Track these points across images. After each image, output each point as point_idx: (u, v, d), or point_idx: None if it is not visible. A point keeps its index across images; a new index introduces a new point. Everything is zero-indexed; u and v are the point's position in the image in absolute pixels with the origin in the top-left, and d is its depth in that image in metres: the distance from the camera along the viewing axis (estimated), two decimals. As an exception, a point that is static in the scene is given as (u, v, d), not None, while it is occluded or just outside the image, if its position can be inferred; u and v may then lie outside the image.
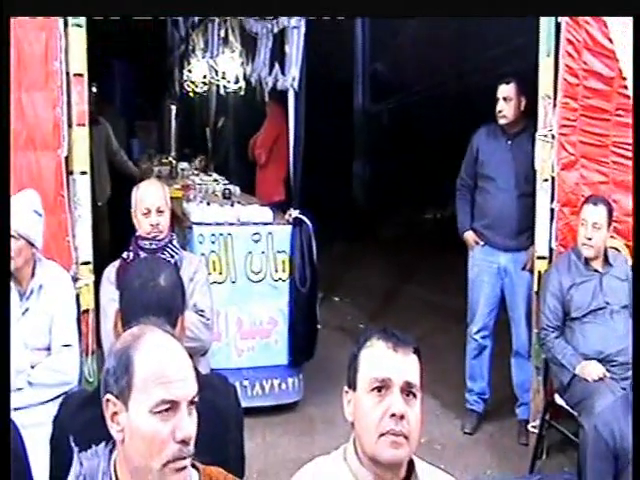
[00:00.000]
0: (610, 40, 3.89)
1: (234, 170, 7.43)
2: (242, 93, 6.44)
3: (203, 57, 7.17)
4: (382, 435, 1.63)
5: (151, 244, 3.17)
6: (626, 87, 3.96)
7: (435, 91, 9.37)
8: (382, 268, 7.92)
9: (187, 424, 1.47)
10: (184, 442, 1.46)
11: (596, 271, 3.69)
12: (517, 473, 3.88)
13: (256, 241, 4.40)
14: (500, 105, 4.15)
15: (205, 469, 1.57)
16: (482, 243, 4.29)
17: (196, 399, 1.50)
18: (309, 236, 4.46)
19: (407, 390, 1.66)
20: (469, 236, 4.33)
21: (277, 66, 4.67)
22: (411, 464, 1.72)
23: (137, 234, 3.23)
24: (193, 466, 1.55)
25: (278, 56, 4.70)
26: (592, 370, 3.45)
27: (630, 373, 2.75)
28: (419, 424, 1.68)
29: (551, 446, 4.02)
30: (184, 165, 7.38)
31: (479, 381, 4.39)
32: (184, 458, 1.46)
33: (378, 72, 10.15)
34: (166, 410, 1.45)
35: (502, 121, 4.18)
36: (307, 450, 3.73)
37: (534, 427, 3.97)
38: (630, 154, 4.01)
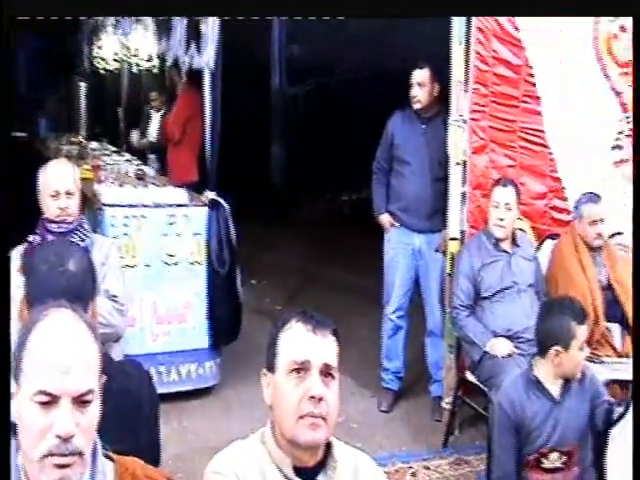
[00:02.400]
0: (517, 28, 4.01)
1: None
2: (156, 71, 6.30)
3: (114, 33, 6.97)
4: (301, 417, 1.63)
5: (59, 227, 3.03)
6: (532, 75, 4.10)
7: (351, 74, 9.41)
8: (299, 250, 7.94)
9: (66, 420, 1.34)
10: (64, 438, 1.34)
11: (505, 252, 3.81)
12: (431, 448, 3.98)
13: (171, 223, 4.32)
14: (415, 90, 4.21)
15: (120, 460, 1.52)
16: (398, 225, 4.35)
17: (88, 397, 1.37)
18: (226, 218, 4.42)
19: (326, 372, 1.67)
20: (385, 219, 4.38)
21: (193, 45, 4.59)
22: (328, 444, 1.73)
23: (44, 217, 3.10)
24: (108, 457, 1.50)
25: (194, 35, 4.62)
26: (501, 347, 3.57)
27: (535, 349, 2.86)
28: (337, 405, 1.69)
29: (463, 421, 4.15)
30: (95, 145, 7.17)
31: (395, 360, 4.47)
32: (65, 455, 1.34)
33: (295, 54, 10.11)
34: (46, 402, 1.34)
35: (416, 106, 4.24)
36: (224, 434, 3.71)
37: (447, 404, 4.08)
38: (536, 139, 4.16)
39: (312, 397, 1.63)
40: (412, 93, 4.21)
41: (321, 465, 1.71)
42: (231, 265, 4.42)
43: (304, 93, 10.56)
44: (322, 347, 1.68)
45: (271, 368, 1.72)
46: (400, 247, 4.35)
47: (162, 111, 6.66)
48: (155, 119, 6.83)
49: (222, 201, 4.42)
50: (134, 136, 7.02)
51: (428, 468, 3.75)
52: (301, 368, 1.66)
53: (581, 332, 2.62)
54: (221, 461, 1.71)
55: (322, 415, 1.64)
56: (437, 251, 4.26)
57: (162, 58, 6.03)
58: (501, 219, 3.75)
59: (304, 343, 1.68)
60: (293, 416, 1.64)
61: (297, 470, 1.68)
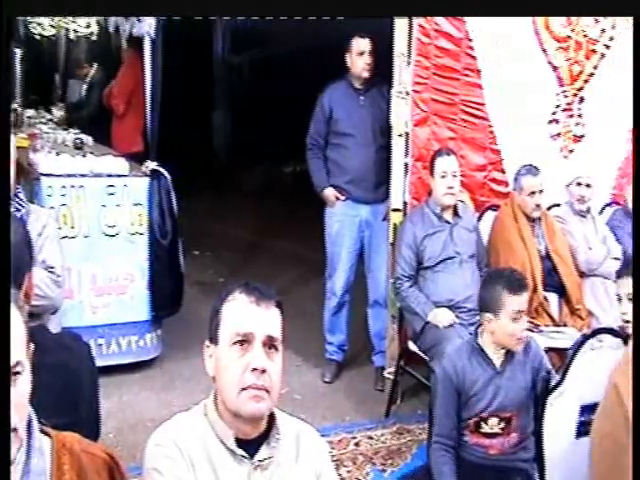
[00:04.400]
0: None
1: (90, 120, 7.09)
2: (94, 38, 6.13)
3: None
4: (244, 389, 1.63)
5: (-7, 197, 2.96)
6: (472, 48, 4.13)
7: (294, 45, 9.32)
8: (243, 221, 7.90)
9: None
10: None
11: (447, 222, 3.84)
12: (374, 418, 4.02)
13: (111, 194, 4.23)
14: (364, 58, 4.18)
15: (58, 435, 1.48)
16: (344, 198, 4.34)
17: (16, 369, 1.32)
18: (168, 188, 4.35)
19: (269, 344, 1.66)
20: (330, 193, 4.33)
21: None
22: (271, 416, 1.73)
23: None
24: (44, 432, 1.45)
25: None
26: (443, 317, 3.61)
27: (477, 319, 2.91)
28: (279, 378, 1.68)
29: (405, 391, 4.21)
30: (30, 112, 6.95)
31: (338, 334, 4.49)
32: None
33: (238, 23, 9.96)
34: None
35: (366, 74, 4.22)
36: (166, 407, 3.69)
37: (389, 373, 4.13)
38: (477, 112, 4.20)
39: (255, 369, 1.63)
40: (364, 61, 4.18)
41: (264, 436, 1.70)
42: (173, 236, 4.36)
43: (248, 62, 10.43)
44: (265, 319, 1.67)
45: (214, 340, 1.71)
46: (347, 220, 4.34)
47: (89, 80, 6.50)
48: (82, 89, 6.66)
49: (163, 171, 4.35)
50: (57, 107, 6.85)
51: (371, 438, 3.80)
52: (244, 340, 1.65)
53: (511, 302, 2.65)
54: (162, 434, 1.69)
55: (265, 387, 1.63)
56: (384, 220, 4.25)
57: (101, 25, 5.85)
58: (450, 187, 3.78)
59: (247, 315, 1.67)
60: (236, 388, 1.63)
61: (240, 442, 1.67)
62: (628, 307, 2.76)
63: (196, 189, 7.80)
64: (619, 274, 2.93)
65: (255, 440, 1.69)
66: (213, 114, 10.35)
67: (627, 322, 2.75)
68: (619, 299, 2.89)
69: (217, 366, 1.69)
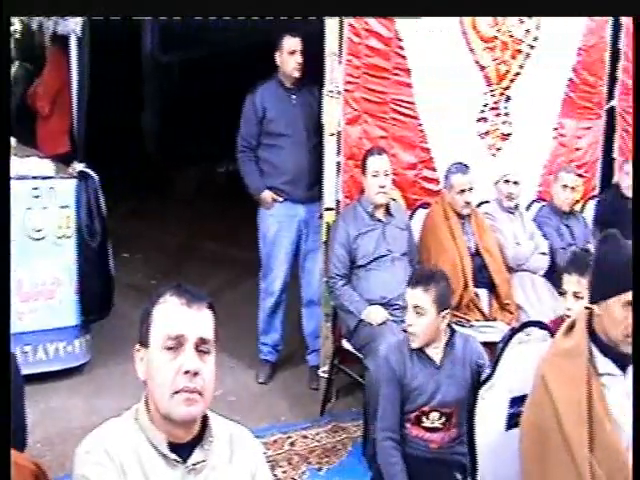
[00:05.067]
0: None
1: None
2: (17, 36, 5.95)
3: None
4: (176, 393, 1.61)
5: None
6: (402, 48, 4.17)
7: (227, 45, 9.25)
8: (174, 222, 7.79)
9: None
10: None
11: (379, 221, 3.87)
12: (309, 417, 4.02)
13: (36, 196, 4.11)
14: (296, 57, 4.17)
15: None
16: (282, 199, 4.31)
17: None
18: (96, 189, 4.26)
19: (201, 346, 1.64)
20: (267, 195, 4.27)
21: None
22: (205, 419, 1.72)
23: None
24: None
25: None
26: (376, 315, 3.64)
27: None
28: (213, 380, 1.67)
29: (340, 389, 4.23)
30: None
31: (272, 334, 4.47)
32: None
33: (167, 22, 9.82)
34: None
35: (297, 74, 4.20)
36: (96, 414, 3.60)
37: (324, 372, 4.12)
38: (407, 111, 4.25)
39: (187, 372, 1.61)
40: (296, 60, 4.16)
41: (197, 440, 1.69)
42: (102, 238, 4.27)
43: (178, 61, 10.28)
44: (197, 321, 1.66)
45: (144, 343, 1.68)
46: (286, 221, 4.30)
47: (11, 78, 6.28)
48: None
49: (91, 172, 4.25)
50: None
51: (306, 437, 3.80)
52: (175, 342, 1.63)
53: (409, 296, 2.71)
54: (92, 441, 1.65)
55: (197, 390, 1.62)
56: (321, 217, 4.24)
57: (24, 22, 5.69)
58: (382, 186, 3.81)
59: (178, 317, 1.65)
60: (167, 391, 1.61)
61: (172, 446, 1.65)
62: (572, 303, 2.83)
63: (125, 190, 7.66)
64: (565, 270, 2.98)
65: (188, 443, 1.67)
66: (143, 114, 10.18)
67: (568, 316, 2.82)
68: (562, 294, 2.95)
69: (148, 369, 1.66)
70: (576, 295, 2.84)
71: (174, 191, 9.16)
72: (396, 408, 2.68)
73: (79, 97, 4.22)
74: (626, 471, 2.03)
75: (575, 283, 2.86)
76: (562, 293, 2.97)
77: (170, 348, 1.63)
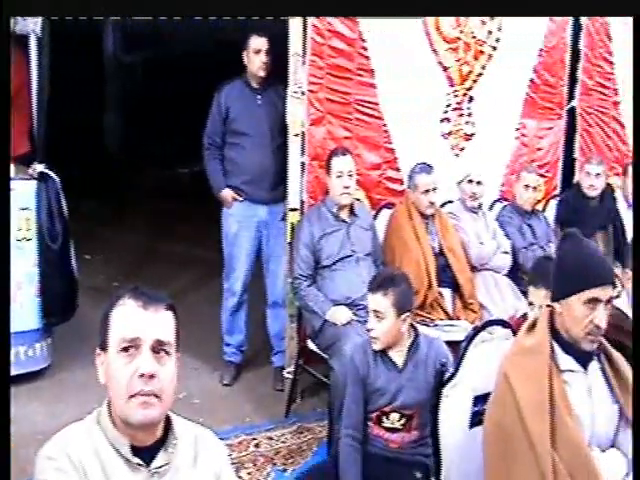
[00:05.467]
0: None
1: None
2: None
3: None
4: (132, 396, 1.59)
5: None
6: (365, 48, 4.19)
7: (190, 44, 9.20)
8: (137, 223, 7.73)
9: None
10: None
11: (344, 221, 3.88)
12: (274, 418, 4.01)
13: (-5, 198, 4.03)
14: (261, 57, 4.16)
15: None
16: (241, 199, 4.30)
17: None
18: (57, 191, 4.19)
19: (158, 348, 1.63)
20: (227, 194, 4.27)
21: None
22: (168, 421, 1.70)
23: None
24: None
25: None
26: (341, 315, 3.64)
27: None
28: (173, 382, 1.66)
29: (304, 390, 4.23)
30: None
31: (237, 334, 4.45)
32: None
33: (130, 22, 9.74)
34: None
35: (262, 73, 4.19)
36: (58, 418, 3.55)
37: (289, 373, 4.12)
38: (371, 111, 4.27)
39: (142, 375, 1.59)
40: (262, 60, 4.15)
41: (161, 442, 1.67)
42: (64, 240, 4.21)
43: (141, 61, 10.19)
44: (153, 323, 1.64)
45: (104, 346, 1.66)
46: (245, 221, 4.30)
47: None
48: None
49: (52, 173, 4.19)
50: None
51: (271, 438, 3.78)
52: (131, 345, 1.61)
53: (369, 300, 2.73)
54: (54, 446, 1.63)
55: (154, 393, 1.60)
56: (283, 220, 4.24)
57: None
58: (346, 186, 3.81)
59: (134, 320, 1.63)
60: (124, 395, 1.60)
61: (135, 449, 1.63)
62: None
63: (87, 191, 7.56)
64: (531, 282, 3.00)
65: (151, 446, 1.66)
66: (105, 114, 10.07)
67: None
68: (530, 304, 2.97)
69: (107, 373, 1.65)
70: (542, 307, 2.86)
71: (137, 192, 9.08)
72: (360, 407, 2.69)
73: (39, 97, 4.15)
74: (588, 466, 2.06)
75: (542, 297, 2.88)
76: (530, 304, 2.98)
77: (126, 351, 1.61)
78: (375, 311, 2.70)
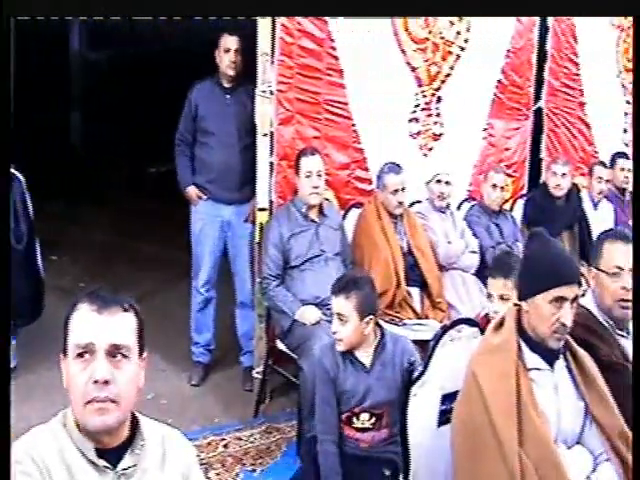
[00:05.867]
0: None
1: None
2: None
3: None
4: (88, 402, 1.58)
5: None
6: (334, 48, 4.19)
7: (158, 43, 9.13)
8: (104, 223, 7.65)
9: None
10: None
11: (313, 221, 3.88)
12: (243, 419, 3.99)
13: (-42, 198, 3.96)
14: (230, 56, 4.14)
15: None
16: (205, 197, 4.29)
17: None
18: (22, 191, 4.13)
19: (115, 352, 1.61)
20: (192, 191, 4.28)
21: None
22: (135, 422, 1.69)
23: None
24: None
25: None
26: (310, 315, 3.63)
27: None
28: (133, 386, 1.64)
29: (273, 390, 4.22)
30: None
31: (205, 333, 4.44)
32: None
33: (97, 20, 9.63)
34: None
35: (231, 72, 4.17)
36: (23, 421, 3.47)
37: (258, 373, 4.11)
38: (340, 111, 4.27)
39: (96, 381, 1.57)
40: (230, 59, 4.13)
41: (128, 444, 1.66)
42: (29, 240, 4.16)
43: (107, 58, 10.09)
44: (108, 327, 1.61)
45: (65, 351, 1.64)
46: (209, 219, 4.30)
47: None
48: None
49: (17, 173, 4.13)
50: None
51: (240, 439, 3.77)
52: (85, 351, 1.60)
53: (333, 303, 2.73)
54: (19, 449, 1.61)
55: (110, 398, 1.58)
56: (246, 221, 4.25)
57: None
58: (315, 186, 3.81)
59: (87, 324, 1.61)
60: (80, 401, 1.58)
61: (102, 451, 1.62)
62: (500, 305, 2.88)
63: (53, 191, 7.47)
64: (489, 274, 3.04)
65: (118, 448, 1.65)
66: (71, 113, 9.95)
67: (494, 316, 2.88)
68: (489, 296, 3.01)
69: (67, 378, 1.63)
70: (502, 297, 2.89)
71: (105, 191, 8.99)
72: (334, 409, 2.69)
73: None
74: (555, 463, 2.08)
75: (501, 286, 2.92)
76: (489, 295, 3.02)
77: (81, 357, 1.60)
78: (338, 314, 2.71)
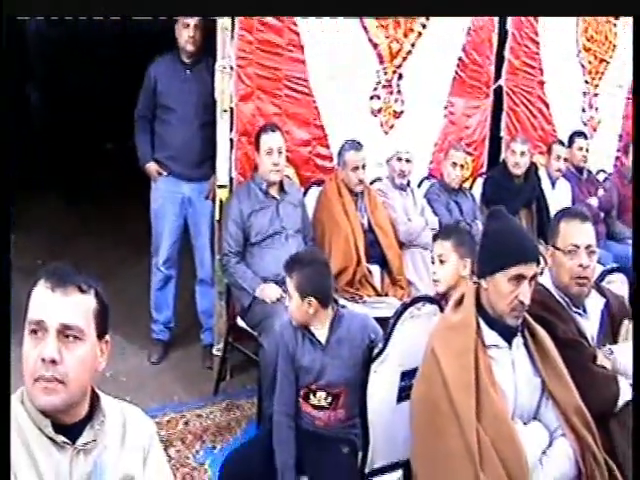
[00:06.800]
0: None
1: None
2: None
3: None
4: (36, 380, 1.57)
5: None
6: (295, 24, 4.15)
7: (115, 21, 8.94)
8: (62, 200, 7.51)
9: None
10: None
11: (273, 198, 3.85)
12: (203, 396, 3.99)
13: None
14: (189, 31, 4.07)
15: None
16: (165, 174, 4.24)
17: None
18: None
19: (67, 333, 1.59)
20: (151, 167, 4.24)
21: None
22: (95, 399, 1.69)
23: None
24: None
25: None
26: (270, 292, 3.62)
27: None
28: (83, 368, 1.61)
29: (234, 367, 4.22)
30: None
31: (165, 311, 4.41)
32: None
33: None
34: None
35: (190, 47, 4.11)
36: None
37: (218, 350, 4.10)
38: (301, 88, 4.24)
39: (43, 359, 1.56)
40: (188, 34, 4.07)
41: (87, 420, 1.66)
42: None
43: (65, 34, 9.84)
44: (60, 306, 1.60)
45: (23, 327, 1.63)
46: (169, 196, 4.25)
47: None
48: None
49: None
50: None
51: (200, 416, 3.77)
52: (38, 328, 1.58)
53: (287, 283, 2.74)
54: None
55: (57, 378, 1.57)
56: (207, 198, 4.22)
57: None
58: (276, 164, 3.78)
59: (41, 302, 1.60)
60: (30, 378, 1.58)
61: (61, 427, 1.61)
62: (437, 267, 2.92)
63: (11, 168, 7.29)
64: (433, 239, 3.07)
65: (77, 424, 1.65)
66: (32, 92, 9.71)
67: (435, 281, 2.91)
68: (432, 261, 3.04)
69: (23, 354, 1.62)
70: (440, 259, 2.91)
71: (62, 168, 8.82)
72: (292, 384, 2.69)
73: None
74: (511, 438, 2.11)
75: (439, 247, 2.93)
76: (432, 259, 3.04)
77: (35, 333, 1.59)
78: (287, 291, 2.75)
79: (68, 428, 1.62)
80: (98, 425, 1.66)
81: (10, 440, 1.46)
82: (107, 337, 1.70)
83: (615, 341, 2.54)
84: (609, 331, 2.55)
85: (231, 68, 3.93)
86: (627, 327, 2.55)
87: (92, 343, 1.64)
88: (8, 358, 1.27)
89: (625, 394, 2.37)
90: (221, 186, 3.99)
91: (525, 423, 2.25)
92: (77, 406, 1.63)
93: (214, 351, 4.14)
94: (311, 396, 2.70)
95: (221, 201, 3.96)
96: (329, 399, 2.68)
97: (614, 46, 5.87)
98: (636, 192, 2.84)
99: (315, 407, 2.70)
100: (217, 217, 3.99)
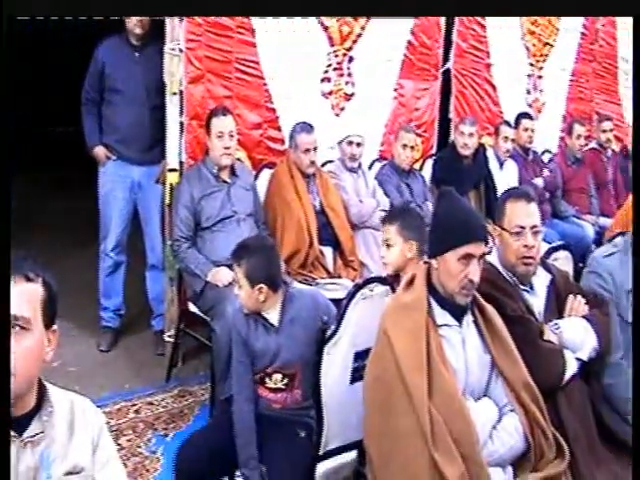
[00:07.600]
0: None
1: None
2: None
3: None
4: None
5: None
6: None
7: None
8: (13, 186, 7.33)
9: None
10: None
11: (224, 182, 3.82)
12: (155, 383, 3.95)
13: None
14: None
15: None
16: (114, 158, 4.17)
17: None
18: None
19: (13, 323, 1.53)
20: (100, 151, 4.17)
21: None
22: (42, 390, 1.65)
23: None
24: None
25: None
26: (222, 276, 3.60)
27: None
28: (30, 359, 1.56)
29: (186, 353, 4.19)
30: None
31: (114, 298, 4.35)
32: None
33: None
34: None
35: (138, 30, 4.05)
36: None
37: (169, 336, 4.06)
38: (251, 70, 4.20)
39: None
40: (133, 18, 4.00)
41: (35, 412, 1.62)
42: None
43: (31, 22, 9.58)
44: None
45: None
46: (118, 180, 4.19)
47: None
48: None
49: None
50: None
51: (152, 403, 3.73)
52: None
53: (236, 271, 2.72)
54: None
55: None
56: (157, 183, 4.16)
57: None
58: (227, 147, 3.75)
59: None
60: None
61: None
62: (384, 251, 2.92)
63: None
64: (381, 222, 3.09)
65: (24, 416, 1.60)
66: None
67: (385, 264, 2.92)
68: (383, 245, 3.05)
69: None
70: (387, 243, 2.93)
71: (12, 153, 8.61)
72: (248, 368, 2.68)
73: None
74: (462, 414, 2.14)
75: (385, 231, 2.95)
76: (387, 241, 3.05)
77: None
78: (234, 279, 2.74)
79: (15, 420, 1.58)
80: (46, 417, 1.62)
81: (10, 440, 1.41)
82: (55, 326, 1.66)
83: (561, 316, 2.59)
84: (555, 307, 2.61)
85: (180, 50, 3.88)
86: (571, 303, 2.61)
87: (39, 333, 1.59)
88: (8, 358, 1.23)
89: (571, 367, 2.42)
90: (171, 170, 3.94)
91: (476, 400, 2.28)
92: (24, 398, 1.59)
93: (165, 337, 4.11)
94: (267, 379, 2.69)
95: (171, 185, 3.91)
96: (285, 380, 2.68)
97: (557, 30, 5.95)
98: (636, 192, 2.87)
99: (271, 390, 2.69)
100: (167, 201, 3.94)
